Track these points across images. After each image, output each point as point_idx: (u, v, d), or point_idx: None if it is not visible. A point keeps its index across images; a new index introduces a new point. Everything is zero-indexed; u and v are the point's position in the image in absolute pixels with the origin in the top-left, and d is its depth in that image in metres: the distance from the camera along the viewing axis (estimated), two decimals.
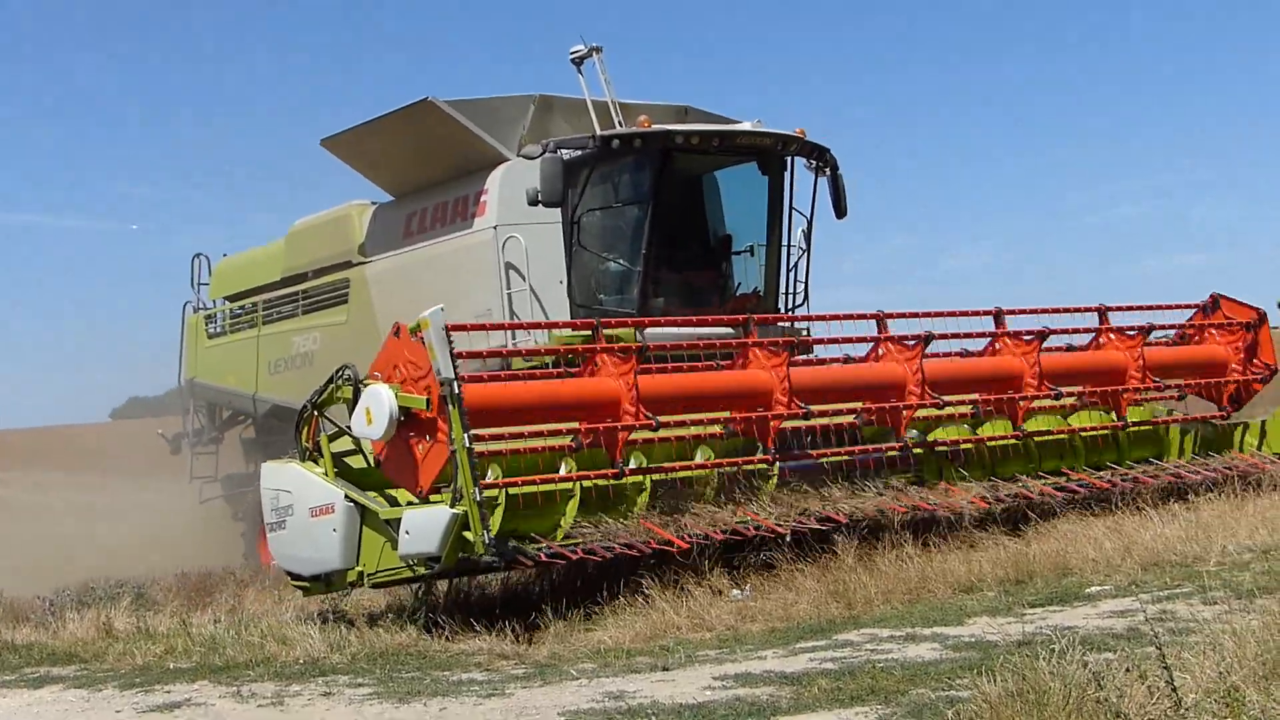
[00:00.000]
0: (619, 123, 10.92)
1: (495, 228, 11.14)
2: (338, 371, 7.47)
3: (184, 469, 15.74)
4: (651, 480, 7.71)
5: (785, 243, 11.38)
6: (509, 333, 10.30)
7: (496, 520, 7.05)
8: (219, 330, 15.51)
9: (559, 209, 10.49)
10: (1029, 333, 9.34)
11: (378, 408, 6.97)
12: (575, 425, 7.56)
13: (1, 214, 57.19)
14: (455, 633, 6.95)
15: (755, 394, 8.15)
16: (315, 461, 7.63)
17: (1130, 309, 10.13)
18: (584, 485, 7.44)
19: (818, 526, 7.79)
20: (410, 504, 7.18)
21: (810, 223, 11.39)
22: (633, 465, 7.71)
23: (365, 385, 7.17)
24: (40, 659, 7.61)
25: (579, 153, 10.49)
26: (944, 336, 9.13)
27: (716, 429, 8.13)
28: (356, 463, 7.74)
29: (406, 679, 6.05)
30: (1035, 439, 9.29)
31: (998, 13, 61.12)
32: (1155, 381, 9.77)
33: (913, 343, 8.77)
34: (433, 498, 7.14)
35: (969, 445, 9.08)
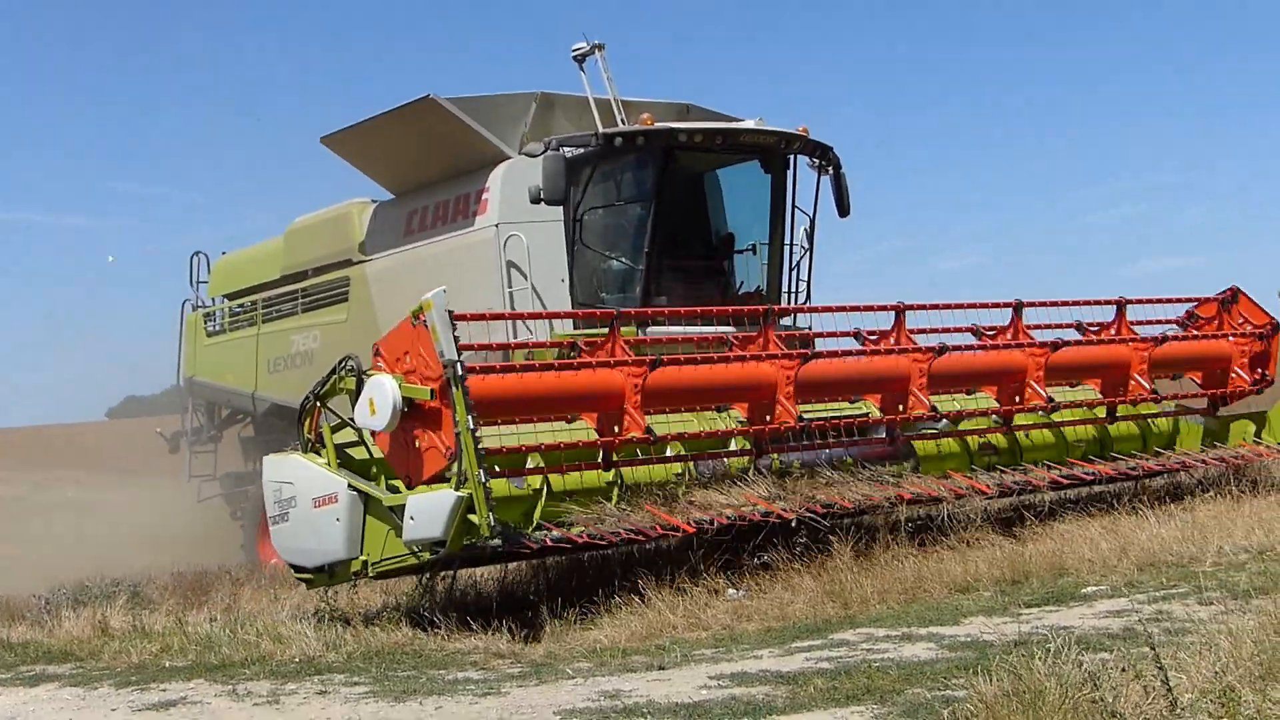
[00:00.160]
0: (621, 121, 10.91)
1: (497, 226, 11.13)
2: (341, 362, 7.45)
3: (182, 467, 15.72)
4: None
5: (787, 241, 11.37)
6: (509, 325, 10.28)
7: (538, 510, 7.12)
8: (218, 328, 15.47)
9: (561, 207, 10.48)
10: (1046, 344, 9.30)
11: (381, 398, 6.95)
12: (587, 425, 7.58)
13: None
14: (451, 631, 6.94)
15: (761, 387, 8.14)
16: (318, 453, 7.60)
17: (1149, 302, 10.13)
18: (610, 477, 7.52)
19: (825, 512, 7.78)
20: (414, 490, 7.15)
21: (813, 222, 11.38)
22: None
23: (369, 376, 7.16)
24: (36, 657, 7.60)
25: (581, 151, 10.47)
26: (958, 348, 9.07)
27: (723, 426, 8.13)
28: (359, 454, 7.72)
29: (402, 677, 6.05)
30: (1038, 430, 9.31)
31: (997, 12, 61.16)
32: (1154, 395, 9.79)
33: (924, 344, 8.77)
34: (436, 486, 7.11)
35: (974, 437, 9.07)
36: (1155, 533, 7.82)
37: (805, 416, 8.24)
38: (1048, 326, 9.62)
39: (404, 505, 6.94)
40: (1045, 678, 4.03)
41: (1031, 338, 9.37)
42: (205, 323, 15.61)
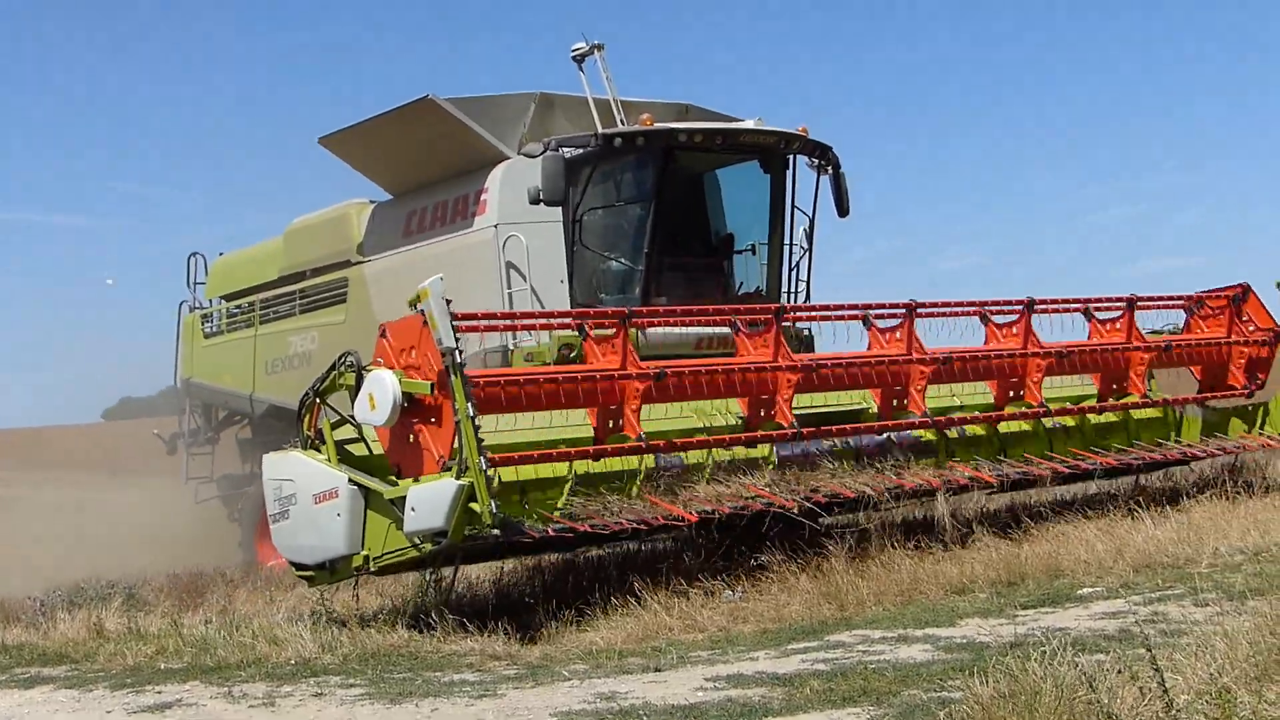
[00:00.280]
0: (620, 121, 10.90)
1: (496, 227, 11.12)
2: (340, 358, 7.44)
3: (180, 469, 15.70)
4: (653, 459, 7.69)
5: (787, 241, 11.37)
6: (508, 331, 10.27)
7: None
8: (215, 330, 15.45)
9: (560, 208, 10.47)
10: (1052, 348, 9.31)
11: (381, 393, 6.94)
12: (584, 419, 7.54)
13: None
14: (447, 633, 6.93)
15: (760, 381, 8.13)
16: (317, 449, 7.59)
17: (1160, 299, 10.15)
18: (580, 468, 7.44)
19: (827, 502, 7.76)
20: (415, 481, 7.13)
21: (812, 221, 11.38)
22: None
23: (368, 371, 7.15)
24: (31, 659, 7.58)
25: (581, 151, 10.46)
26: (967, 355, 9.08)
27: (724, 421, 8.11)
28: (358, 451, 7.71)
29: (398, 680, 6.04)
30: (1044, 422, 9.34)
31: (997, 12, 61.20)
32: (1150, 400, 9.82)
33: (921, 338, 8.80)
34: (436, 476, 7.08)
35: (979, 429, 9.09)
36: (1151, 534, 7.82)
37: (805, 409, 8.23)
38: (1054, 306, 9.64)
39: (405, 497, 6.90)
40: (1041, 679, 4.03)
41: (1037, 335, 9.37)
42: (203, 324, 15.59)
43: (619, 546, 9.90)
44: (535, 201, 10.31)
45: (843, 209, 11.46)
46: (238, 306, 14.99)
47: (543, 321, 8.83)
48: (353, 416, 7.37)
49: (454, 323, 6.82)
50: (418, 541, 6.91)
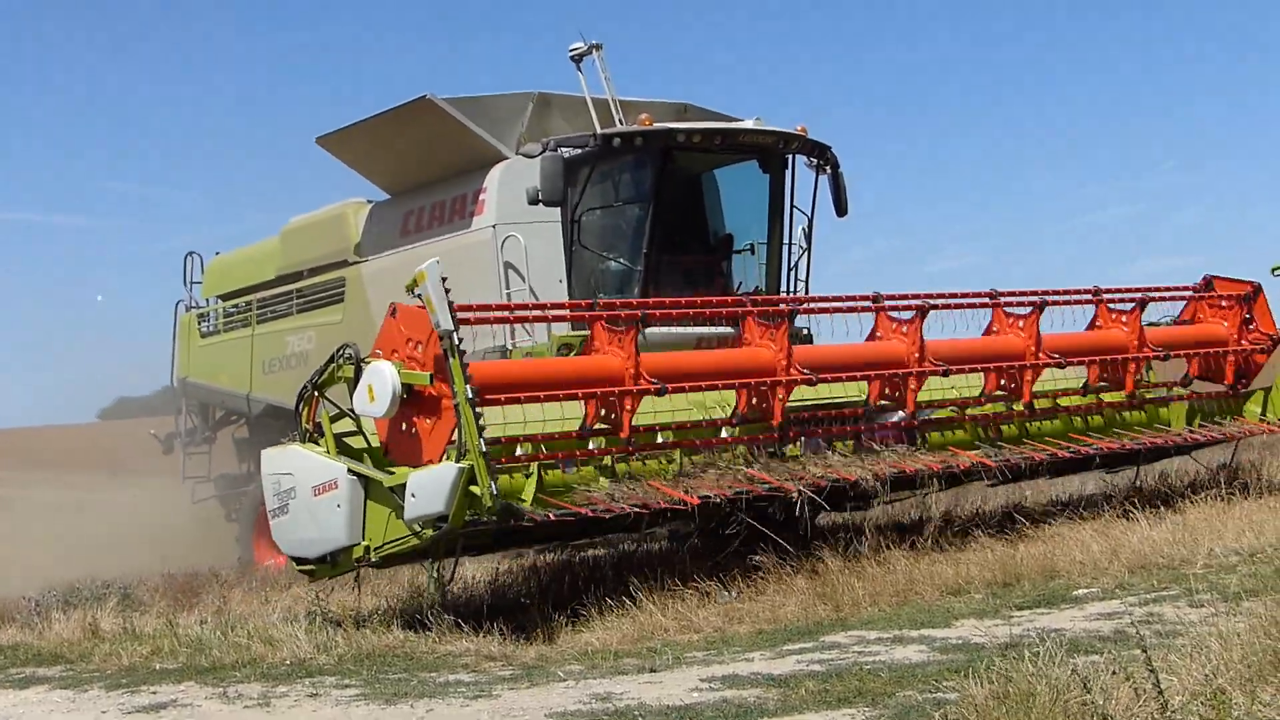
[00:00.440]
0: (619, 121, 10.89)
1: (494, 227, 11.10)
2: (339, 350, 7.42)
3: (176, 469, 15.68)
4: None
5: (786, 241, 11.37)
6: (508, 329, 10.25)
7: (531, 488, 7.07)
8: (212, 329, 15.43)
9: (559, 208, 10.47)
10: (1026, 303, 9.25)
11: (380, 384, 6.92)
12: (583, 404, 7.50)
13: None
14: (443, 634, 6.93)
15: (759, 371, 8.13)
16: (316, 442, 7.57)
17: (1124, 291, 10.12)
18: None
19: (827, 486, 7.75)
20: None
21: (811, 221, 11.38)
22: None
23: (367, 363, 7.14)
24: (26, 659, 7.58)
25: (579, 151, 10.43)
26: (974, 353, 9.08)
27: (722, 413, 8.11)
28: (357, 444, 7.69)
29: (393, 680, 6.04)
30: (1041, 414, 9.33)
31: (995, 13, 61.27)
32: (1155, 351, 9.78)
33: (909, 313, 8.77)
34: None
35: (977, 415, 9.11)
36: (1146, 535, 7.82)
37: (797, 401, 8.22)
38: (1065, 299, 9.62)
39: (405, 484, 6.87)
40: (1036, 680, 4.04)
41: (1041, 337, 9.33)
42: (199, 323, 15.56)
43: (615, 547, 9.91)
44: (534, 202, 10.30)
45: (841, 209, 11.46)
46: (235, 306, 14.97)
47: (555, 313, 8.72)
48: (352, 410, 7.36)
49: (454, 314, 6.79)
50: (418, 528, 6.86)
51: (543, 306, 8.73)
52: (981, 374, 9.17)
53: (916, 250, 64.84)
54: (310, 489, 7.35)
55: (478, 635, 6.81)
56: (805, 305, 9.25)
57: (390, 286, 12.18)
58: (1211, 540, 7.62)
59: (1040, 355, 9.14)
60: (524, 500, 7.04)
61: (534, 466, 7.25)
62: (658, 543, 10.25)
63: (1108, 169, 61.42)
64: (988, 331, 9.35)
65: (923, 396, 8.77)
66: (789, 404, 8.14)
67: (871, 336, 8.86)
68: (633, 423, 7.54)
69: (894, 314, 8.81)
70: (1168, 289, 10.50)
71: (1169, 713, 3.76)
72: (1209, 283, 10.58)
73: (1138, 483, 10.19)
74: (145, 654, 7.21)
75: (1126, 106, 61.53)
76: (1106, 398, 9.77)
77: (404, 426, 7.03)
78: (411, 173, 12.26)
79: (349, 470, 7.21)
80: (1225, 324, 10.41)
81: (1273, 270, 10.32)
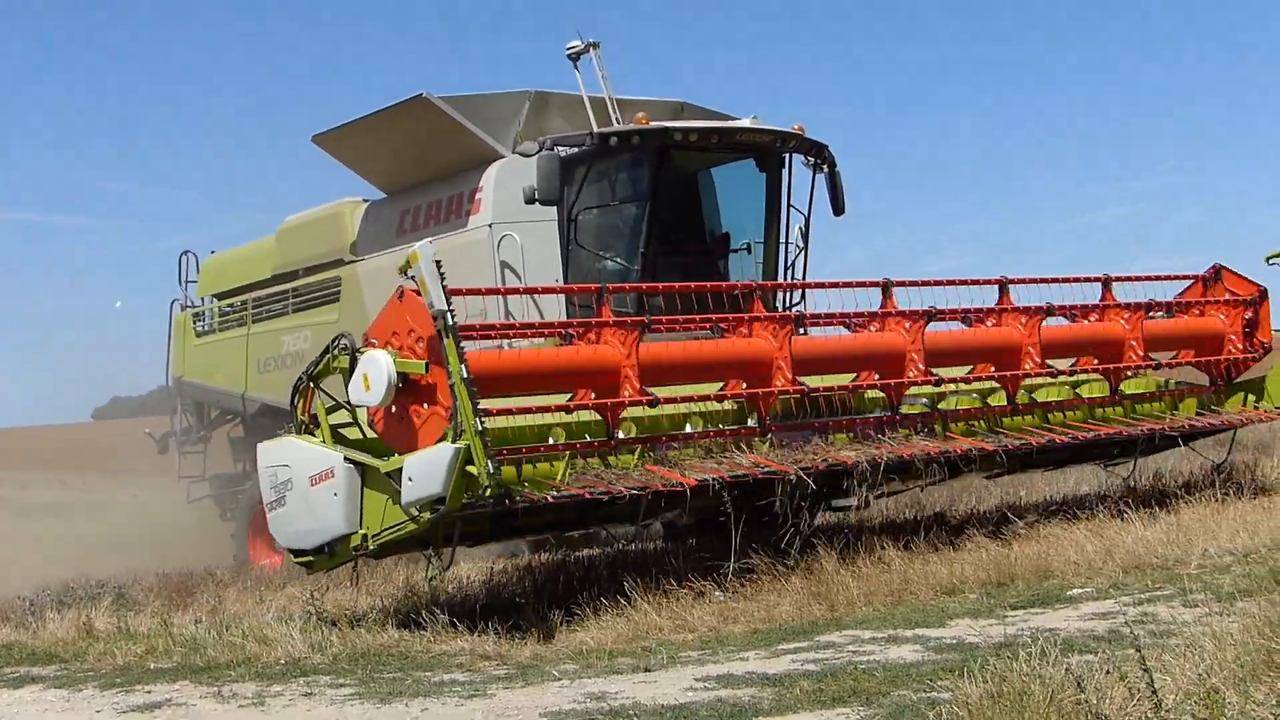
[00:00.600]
0: (616, 119, 10.88)
1: (490, 226, 11.09)
2: (334, 340, 7.41)
3: (172, 468, 15.66)
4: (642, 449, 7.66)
5: (783, 240, 11.38)
6: (503, 315, 10.24)
7: (562, 471, 7.10)
8: (207, 328, 15.40)
9: (555, 207, 10.47)
10: (1033, 308, 9.27)
11: (375, 373, 6.91)
12: (574, 399, 7.53)
13: None
14: (437, 633, 6.93)
15: (756, 363, 8.12)
16: (312, 434, 7.56)
17: (1133, 279, 10.12)
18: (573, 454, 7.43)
19: (827, 469, 7.75)
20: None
21: (808, 220, 11.37)
22: (622, 436, 7.67)
23: (362, 353, 7.13)
24: (20, 659, 7.57)
25: (576, 150, 10.43)
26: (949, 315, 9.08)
27: (717, 405, 8.12)
28: (352, 434, 7.68)
29: (388, 679, 6.04)
30: (1038, 406, 9.34)
31: (994, 13, 61.31)
32: (1152, 360, 9.77)
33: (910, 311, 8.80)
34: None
35: (974, 406, 9.12)
36: (1140, 535, 7.84)
37: (804, 392, 8.23)
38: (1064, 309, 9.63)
39: (401, 469, 6.84)
40: (1030, 680, 4.04)
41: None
42: (194, 323, 15.54)
43: (610, 546, 9.91)
44: (530, 201, 10.29)
45: (838, 208, 11.47)
46: (230, 305, 14.95)
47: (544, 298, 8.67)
48: (348, 401, 7.35)
49: (448, 295, 6.77)
50: (415, 512, 6.82)
51: (550, 325, 8.66)
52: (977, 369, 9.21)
53: (916, 250, 65.00)
54: (307, 479, 7.33)
55: (473, 635, 6.81)
56: (812, 317, 9.20)
57: (386, 286, 12.12)
58: (1205, 540, 7.63)
59: (1038, 356, 9.15)
60: (558, 484, 7.04)
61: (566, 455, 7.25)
62: (653, 542, 10.26)
63: (1108, 169, 61.58)
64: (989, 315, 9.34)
65: (922, 392, 8.79)
66: (788, 396, 8.15)
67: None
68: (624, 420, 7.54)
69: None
70: (1174, 276, 10.43)
71: (1163, 712, 3.76)
72: (1218, 272, 10.52)
73: (1132, 482, 10.20)
74: (140, 653, 7.20)
75: (1126, 106, 61.70)
76: (1094, 391, 9.79)
77: (400, 416, 7.02)
78: (407, 171, 12.25)
79: (345, 458, 7.19)
80: (1223, 318, 10.36)
81: (1267, 259, 10.31)
